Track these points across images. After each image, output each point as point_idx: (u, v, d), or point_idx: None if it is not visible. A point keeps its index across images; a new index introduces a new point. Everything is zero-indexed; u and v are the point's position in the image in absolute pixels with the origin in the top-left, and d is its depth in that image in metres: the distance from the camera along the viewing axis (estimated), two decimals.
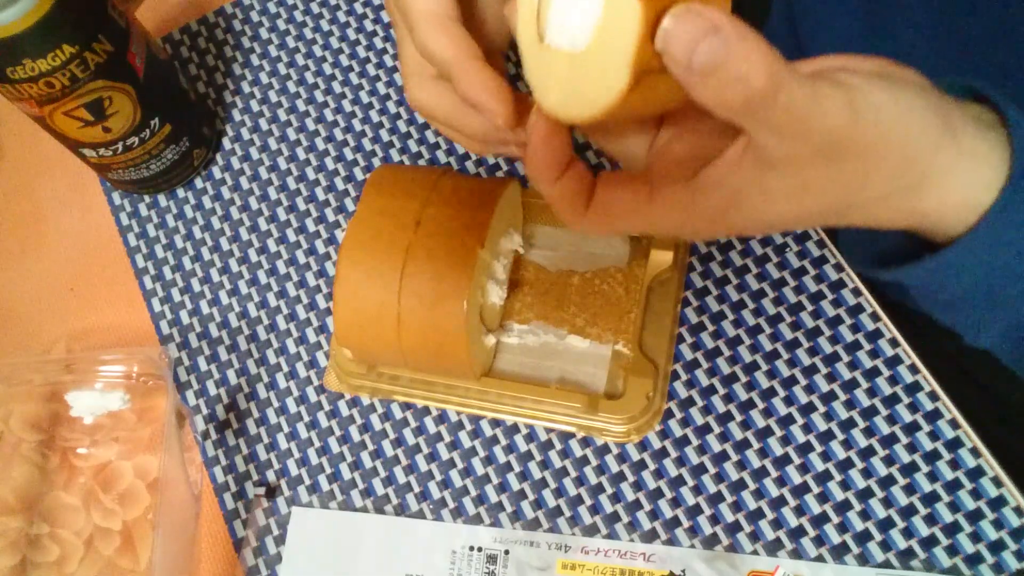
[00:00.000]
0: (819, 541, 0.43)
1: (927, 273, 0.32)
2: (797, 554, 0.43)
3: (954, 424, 0.44)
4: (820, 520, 0.43)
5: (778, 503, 0.44)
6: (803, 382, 0.46)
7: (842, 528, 0.43)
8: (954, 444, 0.44)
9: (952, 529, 0.42)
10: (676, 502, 0.44)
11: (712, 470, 0.45)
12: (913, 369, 0.45)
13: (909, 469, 0.43)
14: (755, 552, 0.43)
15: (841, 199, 0.28)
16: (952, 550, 0.42)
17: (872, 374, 0.45)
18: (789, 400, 0.45)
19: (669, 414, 0.46)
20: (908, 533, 0.42)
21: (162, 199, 0.56)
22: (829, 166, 0.27)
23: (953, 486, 0.43)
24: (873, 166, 0.27)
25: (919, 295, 0.35)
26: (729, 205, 0.28)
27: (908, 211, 0.30)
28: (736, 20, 0.23)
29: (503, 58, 0.39)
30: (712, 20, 0.22)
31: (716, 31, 0.22)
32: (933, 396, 0.45)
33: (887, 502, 0.43)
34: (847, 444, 0.44)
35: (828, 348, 0.46)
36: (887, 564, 0.42)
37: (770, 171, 0.27)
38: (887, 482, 0.43)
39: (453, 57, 0.32)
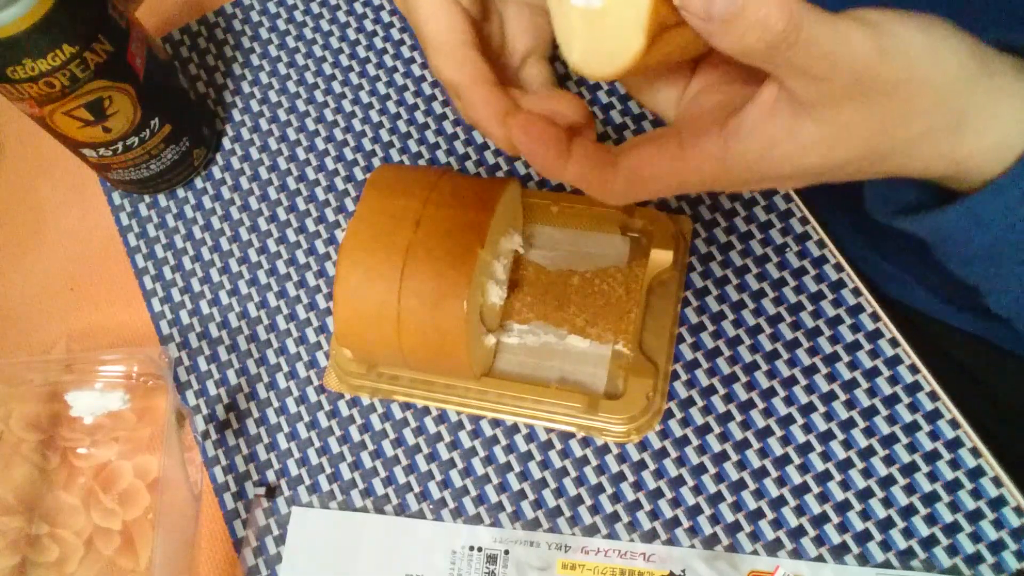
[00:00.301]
0: (819, 541, 0.43)
1: (956, 219, 0.31)
2: (797, 554, 0.43)
3: (954, 424, 0.44)
4: (820, 520, 0.43)
5: (778, 503, 0.44)
6: (803, 382, 0.46)
7: (842, 528, 0.43)
8: (954, 444, 0.44)
9: (952, 529, 0.42)
10: (676, 502, 0.44)
11: (712, 470, 0.45)
12: (913, 369, 0.45)
13: (909, 469, 0.43)
14: (755, 552, 0.43)
15: (878, 142, 0.28)
16: (952, 550, 0.42)
17: (872, 374, 0.45)
18: (789, 400, 0.45)
19: (669, 414, 0.46)
20: (908, 533, 0.42)
21: (162, 199, 0.56)
22: (862, 106, 0.26)
23: (953, 486, 0.43)
24: (907, 103, 0.27)
25: (945, 247, 0.34)
26: (763, 153, 0.28)
27: (945, 155, 0.29)
28: None
29: (548, 62, 0.39)
30: None
31: None
32: (933, 396, 0.45)
33: (887, 502, 0.43)
34: (847, 444, 0.44)
35: (828, 348, 0.46)
36: (887, 564, 0.42)
37: (804, 118, 0.27)
38: (887, 482, 0.43)
39: (459, 82, 0.32)
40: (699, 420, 0.46)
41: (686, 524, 0.44)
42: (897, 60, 0.26)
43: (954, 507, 0.43)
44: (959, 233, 0.32)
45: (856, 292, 0.47)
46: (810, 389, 0.45)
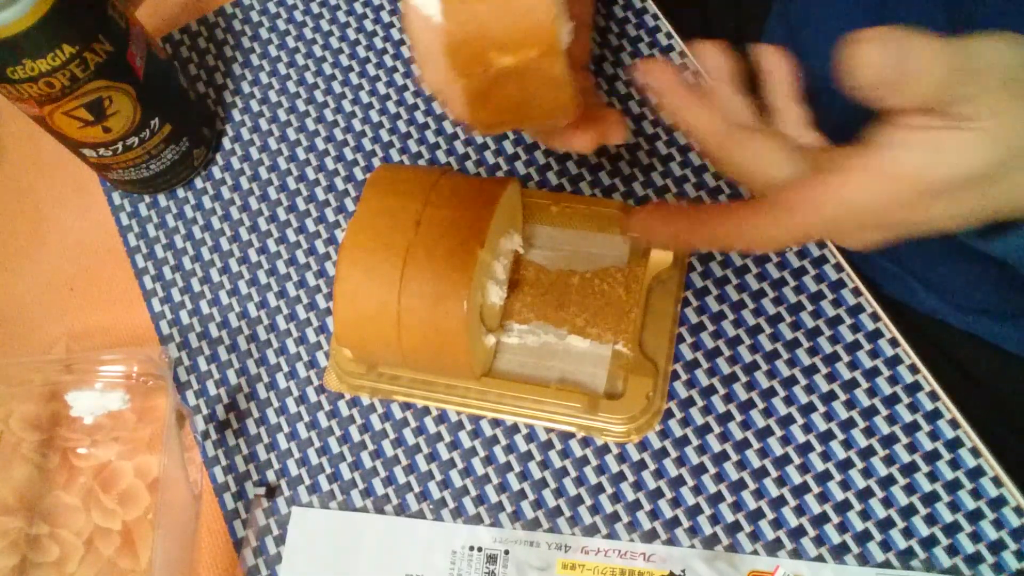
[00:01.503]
0: (819, 541, 0.43)
1: None
2: (797, 554, 0.43)
3: (954, 424, 0.44)
4: (820, 520, 0.43)
5: (778, 503, 0.44)
6: (803, 382, 0.46)
7: (842, 528, 0.43)
8: (954, 444, 0.44)
9: (952, 529, 0.42)
10: (676, 502, 0.44)
11: (712, 470, 0.45)
12: (913, 369, 0.45)
13: (909, 469, 0.43)
14: (755, 552, 0.43)
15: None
16: (952, 550, 0.42)
17: (872, 374, 0.45)
18: (789, 400, 0.45)
19: (669, 414, 0.46)
20: (908, 533, 0.42)
21: (162, 199, 0.56)
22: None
23: (953, 486, 0.43)
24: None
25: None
26: (928, 160, 0.28)
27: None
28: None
29: (589, 71, 0.42)
30: None
31: None
32: (933, 396, 0.45)
33: (887, 502, 0.43)
34: (847, 444, 0.44)
35: (828, 348, 0.46)
36: (887, 564, 0.42)
37: (958, 130, 0.27)
38: (887, 482, 0.43)
39: (436, 85, 0.35)
40: (699, 420, 0.46)
41: (686, 524, 0.44)
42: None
43: (954, 507, 0.43)
44: None
45: (856, 292, 0.47)
46: (810, 389, 0.45)
